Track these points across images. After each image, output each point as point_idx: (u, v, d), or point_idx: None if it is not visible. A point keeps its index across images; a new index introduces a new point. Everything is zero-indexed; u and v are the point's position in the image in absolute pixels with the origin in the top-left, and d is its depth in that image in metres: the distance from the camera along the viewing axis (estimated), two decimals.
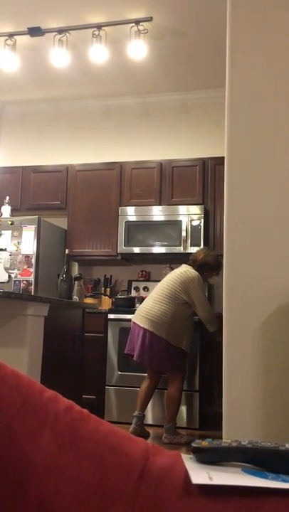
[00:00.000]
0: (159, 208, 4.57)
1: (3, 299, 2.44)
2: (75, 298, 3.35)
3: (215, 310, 4.39)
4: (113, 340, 4.24)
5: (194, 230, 4.43)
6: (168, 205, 4.59)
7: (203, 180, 4.58)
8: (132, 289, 4.88)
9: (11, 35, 4.11)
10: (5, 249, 4.42)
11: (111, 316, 4.30)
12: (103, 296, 4.74)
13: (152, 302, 3.55)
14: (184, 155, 4.79)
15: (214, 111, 4.80)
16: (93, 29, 3.97)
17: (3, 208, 4.73)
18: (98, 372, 4.20)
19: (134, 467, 0.57)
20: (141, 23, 3.87)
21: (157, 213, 4.55)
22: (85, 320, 3.41)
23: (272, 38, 2.13)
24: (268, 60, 2.12)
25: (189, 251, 4.38)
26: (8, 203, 4.74)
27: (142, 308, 3.60)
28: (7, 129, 5.50)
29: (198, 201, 4.54)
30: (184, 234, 4.42)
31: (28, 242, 4.46)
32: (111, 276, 4.96)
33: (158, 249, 4.52)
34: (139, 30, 3.90)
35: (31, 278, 4.38)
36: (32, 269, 4.40)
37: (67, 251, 3.60)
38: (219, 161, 4.24)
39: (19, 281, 4.39)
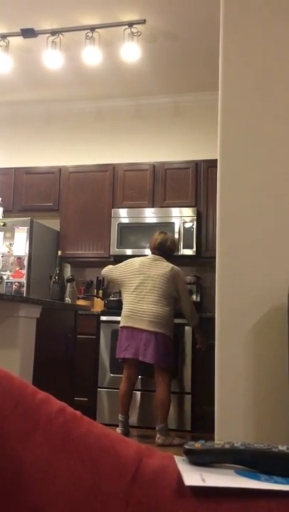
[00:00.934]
0: (152, 210, 4.57)
1: None
2: (68, 300, 3.34)
3: (207, 312, 4.39)
4: (105, 342, 4.23)
5: (187, 232, 4.44)
6: (161, 207, 4.59)
7: (195, 183, 4.58)
8: None
9: (3, 37, 4.10)
10: None
11: (103, 318, 4.30)
12: (95, 298, 4.74)
13: (153, 305, 3.57)
14: (177, 157, 4.80)
15: (207, 113, 4.82)
16: (86, 31, 3.97)
17: None
18: (90, 374, 4.19)
19: (127, 469, 0.57)
20: (134, 26, 3.88)
21: (150, 215, 4.55)
22: (77, 322, 3.40)
23: (265, 41, 2.14)
24: (261, 63, 2.14)
25: (182, 253, 4.39)
26: (1, 205, 4.72)
27: (142, 311, 3.59)
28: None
29: (191, 203, 4.55)
30: (176, 236, 4.42)
31: (21, 244, 4.44)
32: (104, 278, 4.95)
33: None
34: (132, 32, 3.91)
35: (23, 280, 4.37)
36: (24, 271, 4.38)
37: (59, 253, 3.59)
38: (212, 163, 4.25)
39: (11, 282, 4.38)
